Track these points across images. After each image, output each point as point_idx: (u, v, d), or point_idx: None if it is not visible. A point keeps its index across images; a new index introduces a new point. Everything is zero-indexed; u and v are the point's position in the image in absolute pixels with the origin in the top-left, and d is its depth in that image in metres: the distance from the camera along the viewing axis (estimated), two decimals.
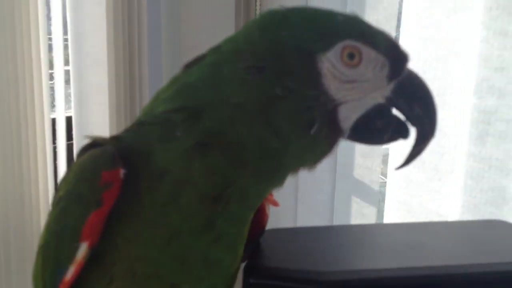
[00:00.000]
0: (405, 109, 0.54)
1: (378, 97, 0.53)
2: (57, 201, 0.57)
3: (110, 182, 0.52)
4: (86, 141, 0.59)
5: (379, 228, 0.83)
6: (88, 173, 0.54)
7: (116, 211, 0.53)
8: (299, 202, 1.46)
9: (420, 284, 0.57)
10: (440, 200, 1.23)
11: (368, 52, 0.52)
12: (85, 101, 1.19)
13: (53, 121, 1.23)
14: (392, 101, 0.53)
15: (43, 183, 1.15)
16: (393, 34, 1.27)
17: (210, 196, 0.53)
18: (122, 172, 0.53)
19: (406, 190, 1.30)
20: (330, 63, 0.51)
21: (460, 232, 0.73)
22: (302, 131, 0.51)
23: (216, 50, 0.55)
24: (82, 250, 0.54)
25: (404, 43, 1.24)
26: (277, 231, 0.70)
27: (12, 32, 1.02)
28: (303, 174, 1.39)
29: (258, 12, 1.37)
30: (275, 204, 0.65)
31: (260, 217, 0.64)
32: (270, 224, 0.69)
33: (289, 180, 1.34)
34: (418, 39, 1.22)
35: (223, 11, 1.30)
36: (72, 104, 1.22)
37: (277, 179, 0.55)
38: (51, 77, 1.18)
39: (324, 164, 1.36)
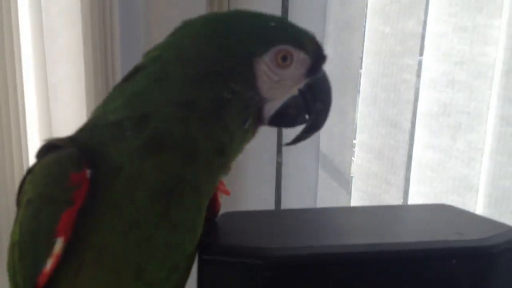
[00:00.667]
0: (310, 102, 0.62)
1: (295, 90, 0.61)
2: (26, 201, 0.60)
3: (79, 183, 0.56)
4: (42, 143, 0.63)
5: (335, 211, 0.87)
6: (57, 176, 0.58)
7: (83, 205, 0.58)
8: (283, 188, 1.51)
9: (359, 260, 0.61)
10: (396, 191, 1.27)
11: (298, 54, 0.59)
12: (60, 95, 1.21)
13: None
14: (302, 94, 0.62)
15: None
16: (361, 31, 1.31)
17: (162, 192, 0.57)
18: (88, 172, 0.57)
19: (368, 181, 1.34)
20: (266, 65, 0.58)
21: (407, 214, 0.78)
22: (241, 127, 0.58)
23: (156, 59, 0.59)
24: (58, 245, 0.58)
25: (367, 38, 1.29)
26: (236, 214, 0.74)
27: None
28: (288, 161, 1.42)
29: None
30: (227, 193, 0.71)
31: (212, 204, 0.69)
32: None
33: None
34: (379, 34, 1.26)
35: (196, 7, 1.34)
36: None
37: (224, 170, 0.62)
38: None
39: (308, 153, 1.39)
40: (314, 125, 0.64)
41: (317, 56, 0.61)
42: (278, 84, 0.59)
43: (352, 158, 1.42)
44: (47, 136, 1.24)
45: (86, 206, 0.57)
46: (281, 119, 0.62)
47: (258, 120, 0.60)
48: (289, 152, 1.48)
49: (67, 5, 1.17)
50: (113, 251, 0.59)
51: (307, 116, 0.63)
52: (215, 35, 0.58)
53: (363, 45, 1.31)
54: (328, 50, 1.35)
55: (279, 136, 1.51)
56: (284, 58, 0.59)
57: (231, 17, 0.60)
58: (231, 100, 0.56)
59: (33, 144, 1.21)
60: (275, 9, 1.39)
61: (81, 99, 1.20)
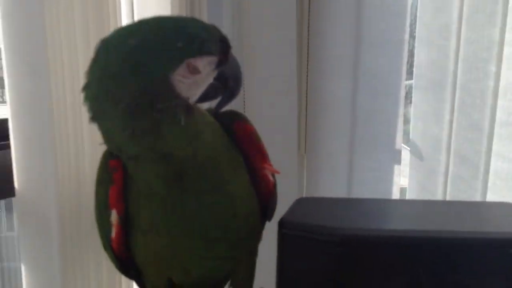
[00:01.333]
0: (224, 83, 0.72)
1: (210, 79, 0.71)
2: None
3: (115, 167, 0.74)
4: None
5: (405, 203, 0.93)
6: (103, 164, 0.76)
7: (127, 184, 0.74)
8: (354, 175, 1.57)
9: (422, 244, 0.68)
10: (478, 197, 1.28)
11: (206, 60, 0.68)
12: None
13: None
14: (218, 79, 0.72)
15: None
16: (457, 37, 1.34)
17: (166, 178, 0.70)
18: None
19: (454, 185, 1.37)
20: (180, 75, 0.67)
21: (473, 208, 0.83)
22: (179, 125, 0.68)
23: (95, 96, 0.68)
24: (114, 215, 0.76)
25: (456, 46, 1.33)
26: (313, 198, 0.84)
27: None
28: (359, 149, 1.46)
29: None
30: (276, 171, 0.81)
31: (265, 185, 0.80)
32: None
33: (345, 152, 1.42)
34: (467, 40, 1.30)
35: (285, 9, 1.42)
36: None
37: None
38: None
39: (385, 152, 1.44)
40: (231, 97, 0.74)
41: (223, 50, 0.69)
42: (194, 84, 0.69)
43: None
44: None
45: (129, 185, 0.74)
46: (204, 98, 0.73)
47: (188, 109, 0.69)
48: (364, 150, 1.54)
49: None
50: (158, 220, 0.74)
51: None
52: (131, 68, 0.65)
53: (458, 52, 1.34)
54: (421, 54, 1.40)
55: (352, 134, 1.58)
56: (194, 68, 0.67)
57: (142, 43, 0.65)
58: (163, 116, 0.66)
59: None
60: None
61: None
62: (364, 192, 1.57)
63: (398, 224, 0.74)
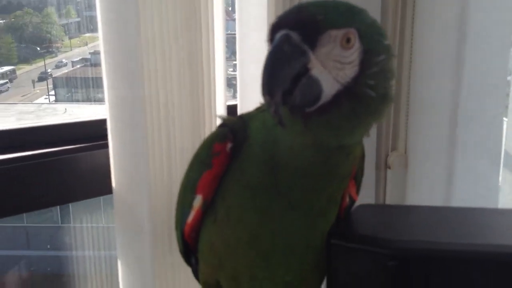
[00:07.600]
0: None
1: None
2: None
3: (219, 151, 0.72)
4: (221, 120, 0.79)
5: (473, 211, 0.83)
6: (206, 144, 0.76)
7: (225, 174, 0.73)
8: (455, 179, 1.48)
9: (482, 260, 0.63)
10: None
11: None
12: (248, 91, 1.39)
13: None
14: None
15: None
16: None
17: (267, 160, 0.68)
18: (229, 145, 0.72)
19: None
20: None
21: None
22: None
23: None
24: (198, 200, 0.75)
25: None
26: (371, 206, 0.80)
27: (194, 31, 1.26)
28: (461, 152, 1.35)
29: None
30: (354, 197, 0.77)
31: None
32: None
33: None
34: None
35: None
36: (238, 93, 1.41)
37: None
38: None
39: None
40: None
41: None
42: None
43: None
44: None
45: (226, 174, 0.72)
46: None
47: None
48: (466, 153, 1.43)
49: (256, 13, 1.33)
50: (236, 212, 0.72)
51: None
52: None
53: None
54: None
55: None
56: None
57: None
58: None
59: None
60: None
61: None
62: (464, 197, 1.46)
63: (460, 237, 0.67)
